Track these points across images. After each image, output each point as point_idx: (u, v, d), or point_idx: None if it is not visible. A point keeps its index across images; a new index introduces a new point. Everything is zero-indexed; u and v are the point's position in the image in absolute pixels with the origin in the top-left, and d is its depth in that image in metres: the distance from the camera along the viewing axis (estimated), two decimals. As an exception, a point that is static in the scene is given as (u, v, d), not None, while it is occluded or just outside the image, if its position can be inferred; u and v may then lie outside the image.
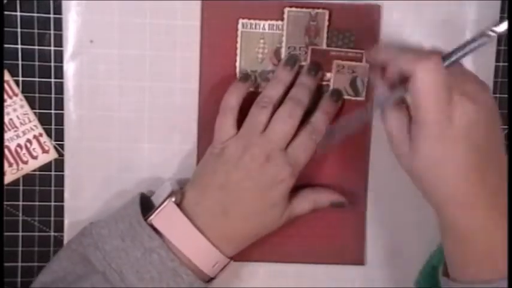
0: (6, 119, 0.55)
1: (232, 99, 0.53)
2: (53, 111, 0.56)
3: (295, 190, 0.54)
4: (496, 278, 0.45)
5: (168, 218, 0.50)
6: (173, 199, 0.51)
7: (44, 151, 0.56)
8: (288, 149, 0.52)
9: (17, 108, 0.55)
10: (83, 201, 0.57)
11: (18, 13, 0.54)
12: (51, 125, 0.56)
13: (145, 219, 0.50)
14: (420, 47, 0.50)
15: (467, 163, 0.44)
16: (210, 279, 0.52)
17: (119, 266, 0.49)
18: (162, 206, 0.50)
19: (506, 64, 0.57)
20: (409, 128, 0.46)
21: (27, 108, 0.55)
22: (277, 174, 0.51)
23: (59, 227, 0.57)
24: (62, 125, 0.56)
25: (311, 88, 0.54)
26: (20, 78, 0.55)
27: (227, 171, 0.51)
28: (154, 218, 0.50)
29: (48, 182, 0.56)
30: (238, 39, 0.55)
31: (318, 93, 0.56)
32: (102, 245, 0.50)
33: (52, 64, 0.55)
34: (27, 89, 0.55)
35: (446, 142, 0.44)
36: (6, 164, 0.55)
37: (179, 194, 0.52)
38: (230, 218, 0.51)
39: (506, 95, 0.57)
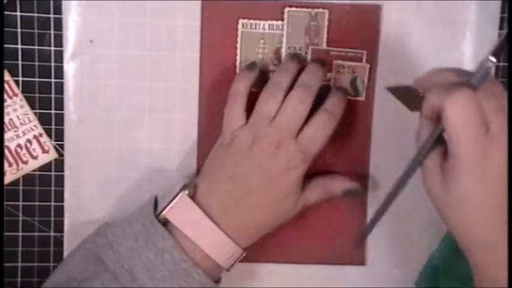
0: (6, 119, 0.55)
1: (241, 85, 0.52)
2: (53, 112, 0.56)
3: (308, 180, 0.53)
4: None
5: (182, 211, 0.50)
6: (186, 192, 0.50)
7: (44, 151, 0.56)
8: (299, 136, 0.50)
9: (17, 108, 0.55)
10: (83, 201, 0.57)
11: (18, 13, 0.54)
12: (51, 125, 0.56)
13: (159, 214, 0.50)
14: (453, 73, 0.45)
15: (501, 203, 0.43)
16: (219, 279, 0.52)
17: (131, 266, 0.49)
18: (176, 199, 0.50)
19: (506, 64, 0.57)
20: (443, 161, 0.44)
21: (27, 108, 0.55)
22: (288, 162, 0.50)
23: (59, 227, 0.57)
24: (62, 125, 0.56)
25: (320, 76, 0.53)
26: (20, 78, 0.55)
27: (236, 163, 0.50)
28: (168, 212, 0.50)
29: (48, 182, 0.56)
30: (238, 39, 0.55)
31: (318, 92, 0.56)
32: (116, 246, 0.50)
33: (52, 64, 0.55)
34: (27, 89, 0.55)
35: (482, 179, 0.42)
36: (6, 164, 0.55)
37: (192, 186, 0.51)
38: (242, 209, 0.51)
39: (506, 95, 0.57)
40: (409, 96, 0.48)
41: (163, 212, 0.50)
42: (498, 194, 0.43)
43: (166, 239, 0.49)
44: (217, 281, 0.52)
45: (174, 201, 0.50)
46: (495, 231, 0.43)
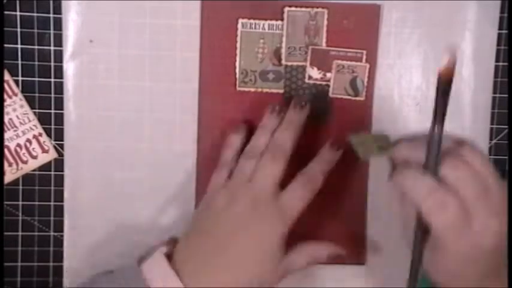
0: (5, 119, 0.55)
1: (228, 154, 0.53)
2: (52, 111, 0.56)
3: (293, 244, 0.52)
4: None
5: (155, 268, 0.49)
6: (164, 249, 0.50)
7: (44, 151, 0.56)
8: (280, 197, 0.50)
9: (17, 108, 0.55)
10: (83, 201, 0.57)
11: (18, 13, 0.54)
12: (50, 124, 0.56)
13: (138, 265, 0.49)
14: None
15: (482, 270, 0.44)
16: None
17: None
18: (153, 256, 0.49)
19: (506, 64, 0.57)
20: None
21: (26, 108, 0.55)
22: (266, 223, 0.49)
23: (59, 227, 0.57)
24: (62, 124, 0.56)
25: (298, 125, 0.53)
26: (20, 78, 0.55)
27: (216, 222, 0.50)
28: (144, 267, 0.49)
29: (48, 182, 0.56)
30: (238, 39, 0.55)
31: (319, 93, 0.56)
32: None
33: (52, 64, 0.55)
34: (27, 89, 0.55)
35: (464, 258, 0.44)
36: (6, 164, 0.55)
37: (171, 244, 0.51)
38: (216, 269, 0.49)
39: (506, 95, 0.57)
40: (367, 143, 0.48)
41: (140, 267, 0.49)
42: (479, 263, 0.44)
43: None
44: None
45: (151, 257, 0.49)
46: None
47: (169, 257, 0.49)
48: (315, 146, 0.57)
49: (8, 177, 0.56)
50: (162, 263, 0.49)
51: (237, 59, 0.56)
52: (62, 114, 0.56)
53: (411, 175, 0.44)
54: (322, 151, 0.54)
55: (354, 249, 0.59)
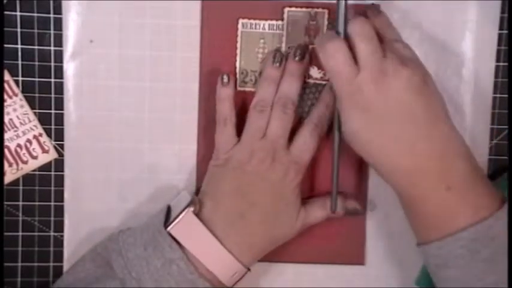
0: (6, 119, 0.55)
1: (225, 107, 0.53)
2: (52, 111, 0.56)
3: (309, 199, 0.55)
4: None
5: (187, 228, 0.51)
6: (191, 209, 0.51)
7: (44, 151, 0.56)
8: (291, 147, 0.52)
9: (17, 108, 0.55)
10: (83, 201, 0.57)
11: (18, 13, 0.54)
12: (51, 125, 0.56)
13: (167, 228, 0.50)
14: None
15: (389, 131, 0.47)
16: None
17: (138, 274, 0.49)
18: (181, 216, 0.51)
19: (506, 64, 0.57)
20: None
21: (27, 108, 0.55)
22: (284, 172, 0.52)
23: (59, 227, 0.57)
24: (62, 125, 0.56)
25: (300, 74, 0.54)
26: (20, 78, 0.55)
27: (237, 178, 0.52)
28: (173, 228, 0.50)
29: (48, 182, 0.56)
30: (238, 39, 0.55)
31: (318, 92, 0.56)
32: (125, 253, 0.50)
33: (52, 64, 0.55)
34: (27, 89, 0.55)
35: (362, 114, 0.48)
36: (6, 164, 0.55)
37: (198, 203, 0.52)
38: (247, 224, 0.52)
39: (506, 95, 0.57)
40: None
41: (169, 229, 0.50)
42: (386, 123, 0.47)
43: (174, 250, 0.49)
44: None
45: (179, 218, 0.51)
46: (396, 156, 0.48)
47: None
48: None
49: (8, 178, 0.56)
50: (194, 224, 0.50)
51: (237, 59, 0.56)
52: (62, 114, 0.56)
53: (323, 36, 0.50)
54: (323, 95, 0.55)
55: (354, 249, 0.59)
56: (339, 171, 0.54)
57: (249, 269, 0.53)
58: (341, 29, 0.49)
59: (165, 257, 0.49)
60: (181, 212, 0.51)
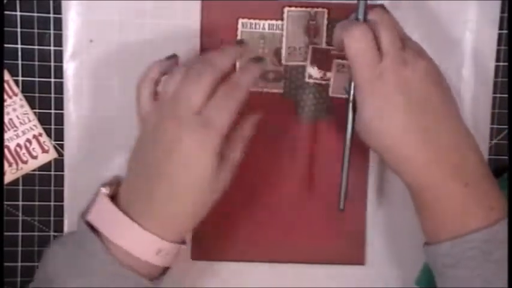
0: (6, 119, 0.55)
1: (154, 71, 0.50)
2: (52, 111, 0.56)
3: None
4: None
5: (101, 212, 0.48)
6: (104, 191, 0.48)
7: (44, 151, 0.56)
8: (203, 111, 0.47)
9: (17, 108, 0.55)
10: (83, 201, 0.56)
11: (18, 13, 0.54)
12: (51, 124, 0.56)
13: (85, 218, 0.48)
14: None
15: (405, 121, 0.47)
16: (164, 271, 0.50)
17: (64, 276, 0.47)
18: (96, 200, 0.49)
19: (506, 64, 0.57)
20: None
21: (27, 108, 0.55)
22: (194, 140, 0.46)
23: (59, 227, 0.57)
24: (62, 125, 0.56)
25: (232, 55, 0.50)
26: (20, 78, 0.55)
27: (145, 150, 0.48)
28: (90, 215, 0.48)
29: (48, 182, 0.56)
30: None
31: (318, 92, 0.56)
32: (52, 261, 0.48)
33: (52, 64, 0.55)
34: (27, 89, 0.55)
35: (382, 100, 0.47)
36: (6, 164, 0.55)
37: (114, 184, 0.49)
38: (159, 199, 0.47)
39: (506, 95, 0.57)
40: None
41: (88, 216, 0.48)
42: (401, 112, 0.47)
43: (94, 242, 0.47)
44: (157, 277, 0.49)
45: (94, 203, 0.49)
46: (412, 147, 0.47)
47: (113, 198, 0.48)
48: (315, 146, 0.57)
49: (8, 177, 0.56)
50: (107, 206, 0.48)
51: (237, 59, 0.56)
52: (62, 114, 0.56)
53: (346, 22, 0.49)
54: (248, 63, 0.50)
55: (354, 249, 0.59)
56: (349, 168, 0.51)
57: (183, 243, 0.49)
58: (361, 16, 0.49)
59: (86, 251, 0.47)
60: (96, 196, 0.49)
